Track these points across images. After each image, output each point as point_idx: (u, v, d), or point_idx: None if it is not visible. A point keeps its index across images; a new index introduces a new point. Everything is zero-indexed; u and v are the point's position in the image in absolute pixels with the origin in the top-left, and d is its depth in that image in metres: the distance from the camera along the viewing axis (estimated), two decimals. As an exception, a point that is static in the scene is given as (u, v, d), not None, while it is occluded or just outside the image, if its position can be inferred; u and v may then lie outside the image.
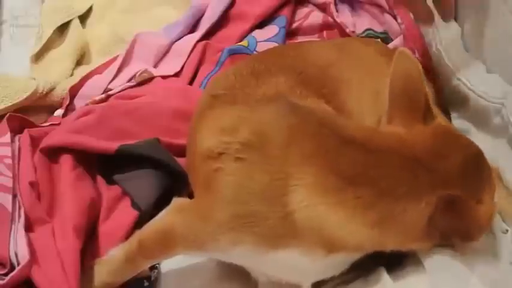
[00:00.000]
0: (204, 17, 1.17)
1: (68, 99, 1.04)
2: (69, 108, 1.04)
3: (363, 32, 1.12)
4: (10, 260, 0.74)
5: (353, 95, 0.79)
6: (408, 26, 1.06)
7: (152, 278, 0.78)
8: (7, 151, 0.87)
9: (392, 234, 0.63)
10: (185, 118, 0.88)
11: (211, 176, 0.67)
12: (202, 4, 1.18)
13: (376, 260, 0.72)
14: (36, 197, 0.82)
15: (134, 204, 0.83)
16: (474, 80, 0.87)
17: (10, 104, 1.00)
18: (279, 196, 0.63)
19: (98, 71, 1.09)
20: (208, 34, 1.15)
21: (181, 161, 0.86)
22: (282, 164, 0.64)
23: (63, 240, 0.76)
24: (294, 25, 1.16)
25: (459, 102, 0.89)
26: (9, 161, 0.86)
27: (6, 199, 0.80)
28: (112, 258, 0.74)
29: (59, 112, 1.02)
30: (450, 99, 0.91)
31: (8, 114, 0.95)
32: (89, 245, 0.79)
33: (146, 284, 0.77)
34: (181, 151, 0.86)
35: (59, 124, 0.98)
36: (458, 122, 0.89)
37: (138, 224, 0.80)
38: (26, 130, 0.93)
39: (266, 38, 1.11)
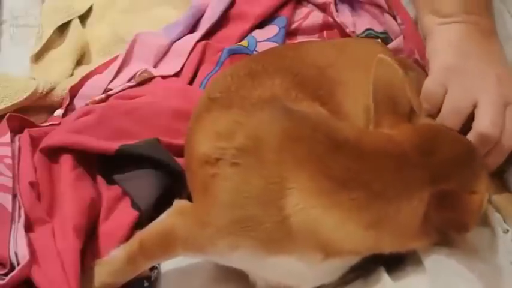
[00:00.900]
0: (204, 17, 1.17)
1: (68, 99, 1.04)
2: (69, 108, 1.04)
3: (363, 32, 1.12)
4: (10, 260, 0.74)
5: (350, 96, 0.80)
6: (408, 27, 1.06)
7: (152, 278, 0.78)
8: (7, 151, 0.87)
9: (388, 236, 0.64)
10: (185, 118, 0.88)
11: (208, 182, 0.68)
12: (202, 4, 1.18)
13: (376, 260, 0.72)
14: (36, 197, 0.82)
15: (134, 205, 0.83)
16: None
17: (10, 104, 1.00)
18: (275, 200, 0.63)
19: (98, 71, 1.09)
20: (208, 34, 1.15)
21: (181, 161, 0.86)
22: (277, 168, 0.64)
23: (63, 240, 0.76)
24: (294, 25, 1.16)
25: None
26: (9, 161, 0.86)
27: (6, 199, 0.80)
28: (113, 259, 0.74)
29: (59, 112, 1.02)
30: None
31: (8, 114, 0.95)
32: (89, 245, 0.79)
33: (146, 284, 0.77)
34: (181, 151, 0.86)
35: (59, 124, 0.97)
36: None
37: (138, 224, 0.80)
38: (26, 130, 0.92)
39: (266, 38, 1.11)
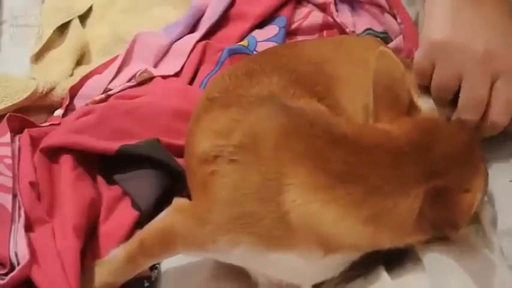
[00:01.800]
0: (204, 17, 1.17)
1: (68, 99, 1.04)
2: (69, 108, 1.04)
3: (363, 31, 1.12)
4: (10, 260, 0.74)
5: (347, 91, 0.80)
6: (407, 26, 1.06)
7: (152, 278, 0.78)
8: (7, 151, 0.87)
9: (386, 230, 0.64)
10: (185, 118, 0.88)
11: (207, 179, 0.68)
12: (202, 4, 1.18)
13: (376, 258, 0.72)
14: (36, 197, 0.82)
15: (134, 204, 0.83)
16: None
17: (10, 104, 1.00)
18: (274, 196, 0.63)
19: (98, 71, 1.09)
20: (208, 34, 1.15)
21: (181, 161, 0.86)
22: (275, 165, 0.64)
23: (63, 240, 0.76)
24: (294, 25, 1.16)
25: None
26: (9, 161, 0.86)
27: (6, 199, 0.80)
28: (113, 258, 0.74)
29: (59, 112, 1.02)
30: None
31: (8, 114, 0.95)
32: (89, 245, 0.79)
33: (146, 284, 0.77)
34: (181, 151, 0.86)
35: (59, 124, 0.97)
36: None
37: (139, 224, 0.80)
38: (26, 130, 0.93)
39: (266, 38, 1.11)
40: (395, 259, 0.73)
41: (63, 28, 1.20)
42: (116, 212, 0.84)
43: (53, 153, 0.88)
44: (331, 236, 0.63)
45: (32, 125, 0.97)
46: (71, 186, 0.82)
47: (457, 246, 0.70)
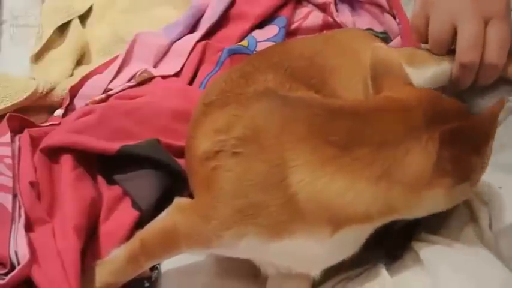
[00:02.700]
0: (204, 17, 1.17)
1: (68, 99, 1.04)
2: (69, 108, 1.04)
3: (363, 31, 1.12)
4: (10, 259, 0.74)
5: (341, 81, 0.81)
6: (405, 26, 1.06)
7: (153, 279, 0.78)
8: (7, 151, 0.87)
9: (400, 185, 0.62)
10: (185, 119, 0.88)
11: (210, 175, 0.68)
12: (202, 4, 1.18)
13: (376, 255, 0.73)
14: (37, 196, 0.82)
15: (135, 205, 0.83)
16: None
17: (10, 104, 1.00)
18: (279, 182, 0.63)
19: (98, 71, 1.09)
20: (208, 34, 1.15)
21: (181, 161, 0.86)
22: (278, 151, 0.64)
23: (63, 240, 0.76)
24: (294, 25, 1.16)
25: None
26: (9, 160, 0.86)
27: (7, 199, 0.80)
28: (114, 259, 0.74)
29: (59, 112, 1.02)
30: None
31: (8, 114, 0.95)
32: (90, 245, 0.79)
33: (147, 284, 0.77)
34: (181, 152, 0.86)
35: (59, 124, 0.97)
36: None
37: (139, 224, 0.80)
38: (26, 130, 0.92)
39: (266, 38, 1.11)
40: (395, 257, 0.73)
41: (63, 28, 1.20)
42: (116, 212, 0.83)
43: (53, 153, 0.88)
44: (341, 208, 0.62)
45: (32, 125, 0.97)
46: (71, 186, 0.82)
47: (457, 245, 0.71)
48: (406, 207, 0.64)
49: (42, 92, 1.03)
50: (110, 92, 1.04)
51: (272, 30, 1.13)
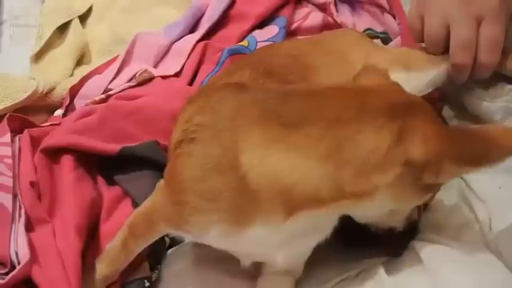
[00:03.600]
0: (204, 17, 1.17)
1: (68, 99, 1.04)
2: (69, 108, 1.04)
3: (363, 31, 1.12)
4: (10, 259, 0.74)
5: (324, 78, 0.80)
6: (404, 26, 1.06)
7: (153, 279, 0.78)
8: (7, 151, 0.87)
9: (350, 165, 0.59)
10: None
11: (174, 162, 0.69)
12: (202, 4, 1.18)
13: (375, 255, 0.73)
14: (37, 196, 0.82)
15: (135, 205, 0.83)
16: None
17: (10, 104, 1.00)
18: (231, 164, 0.62)
19: (98, 71, 1.10)
20: (208, 34, 1.15)
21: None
22: (232, 134, 0.64)
23: (64, 239, 0.76)
24: (294, 25, 1.16)
25: (458, 102, 0.90)
26: (9, 160, 0.86)
27: (7, 199, 0.80)
28: (109, 250, 0.75)
29: (59, 112, 1.03)
30: (448, 99, 0.92)
31: (8, 114, 0.95)
32: (90, 245, 0.79)
33: (147, 284, 0.77)
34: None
35: (59, 124, 0.98)
36: (457, 122, 0.90)
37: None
38: (26, 130, 0.93)
39: (266, 38, 1.11)
40: (395, 255, 0.73)
41: (63, 28, 1.20)
42: (117, 212, 0.84)
43: (54, 154, 0.88)
44: (290, 188, 0.60)
45: (32, 125, 0.97)
46: (71, 186, 0.82)
47: (457, 245, 0.71)
48: (356, 193, 0.60)
49: (42, 92, 1.03)
50: (110, 92, 1.04)
51: (272, 30, 1.13)
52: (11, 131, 0.91)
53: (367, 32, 1.12)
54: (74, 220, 0.77)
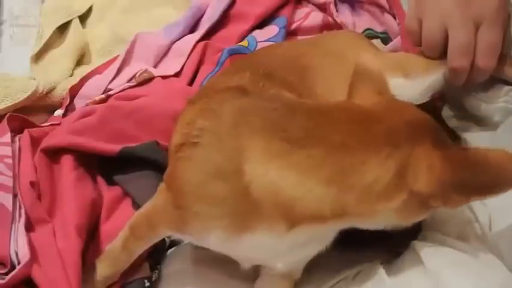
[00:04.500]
0: (204, 17, 1.17)
1: (68, 99, 1.04)
2: (69, 108, 1.04)
3: (363, 31, 1.12)
4: (10, 259, 0.74)
5: (321, 79, 0.81)
6: (404, 25, 1.06)
7: (153, 279, 0.78)
8: (7, 151, 0.87)
9: (353, 191, 0.60)
10: (185, 119, 0.88)
11: (175, 166, 0.69)
12: (202, 4, 1.18)
13: (375, 256, 0.73)
14: (37, 196, 0.82)
15: (135, 205, 0.83)
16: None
17: (10, 104, 1.00)
18: (234, 172, 0.62)
19: (98, 71, 1.10)
20: (208, 34, 1.15)
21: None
22: (235, 141, 0.64)
23: (64, 239, 0.76)
24: (294, 25, 1.16)
25: (458, 103, 0.90)
26: (9, 160, 0.86)
27: (7, 199, 0.80)
28: (109, 251, 0.76)
29: (59, 112, 1.03)
30: (448, 99, 0.92)
31: (8, 114, 0.95)
32: (90, 245, 0.79)
33: (147, 284, 0.77)
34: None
35: (59, 124, 0.98)
36: (457, 122, 0.90)
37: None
38: (26, 130, 0.93)
39: (266, 38, 1.11)
40: (396, 254, 0.73)
41: (63, 28, 1.20)
42: (117, 212, 0.84)
43: (54, 154, 0.88)
44: (292, 203, 0.61)
45: (32, 125, 0.97)
46: (71, 186, 0.82)
47: (457, 245, 0.71)
48: (359, 215, 0.62)
49: (42, 92, 1.03)
50: (110, 92, 1.04)
51: (272, 30, 1.13)
52: (11, 131, 0.91)
53: (367, 32, 1.12)
54: (74, 220, 0.77)
